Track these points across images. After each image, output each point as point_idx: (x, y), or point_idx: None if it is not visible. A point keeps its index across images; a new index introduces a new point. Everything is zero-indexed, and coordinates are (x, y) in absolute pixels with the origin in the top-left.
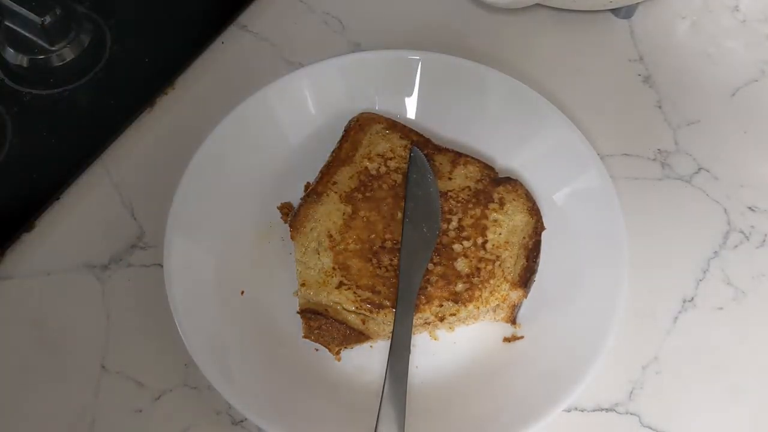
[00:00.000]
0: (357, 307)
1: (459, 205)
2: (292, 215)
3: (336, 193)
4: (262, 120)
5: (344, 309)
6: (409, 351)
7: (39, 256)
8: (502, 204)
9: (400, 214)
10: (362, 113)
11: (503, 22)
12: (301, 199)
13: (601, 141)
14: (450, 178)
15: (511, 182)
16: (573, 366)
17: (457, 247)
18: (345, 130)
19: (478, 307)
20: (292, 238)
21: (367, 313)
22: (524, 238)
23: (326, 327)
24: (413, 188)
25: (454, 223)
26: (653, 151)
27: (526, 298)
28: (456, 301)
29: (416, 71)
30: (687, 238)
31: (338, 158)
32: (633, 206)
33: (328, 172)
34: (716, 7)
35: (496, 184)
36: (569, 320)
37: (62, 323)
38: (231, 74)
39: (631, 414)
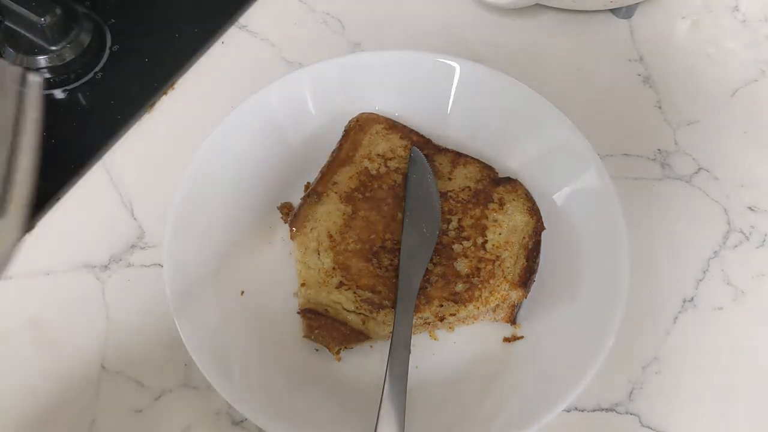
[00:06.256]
0: (357, 307)
1: (459, 205)
2: (292, 215)
3: (336, 193)
4: (262, 120)
5: (344, 309)
6: (409, 351)
7: (39, 256)
8: (501, 204)
9: (400, 215)
10: (362, 113)
11: (503, 22)
12: (301, 199)
13: (601, 141)
14: (450, 179)
15: (511, 182)
16: (573, 366)
17: (457, 247)
18: (345, 130)
19: (478, 307)
20: (292, 238)
21: (367, 313)
22: (524, 238)
23: (326, 327)
24: (413, 188)
25: (454, 223)
26: (653, 151)
27: (526, 298)
28: (456, 301)
29: (416, 71)
30: (687, 238)
31: (338, 158)
32: (633, 206)
33: (328, 172)
34: (716, 7)
35: (496, 184)
36: (569, 320)
37: (62, 323)
38: (231, 74)
39: (631, 414)
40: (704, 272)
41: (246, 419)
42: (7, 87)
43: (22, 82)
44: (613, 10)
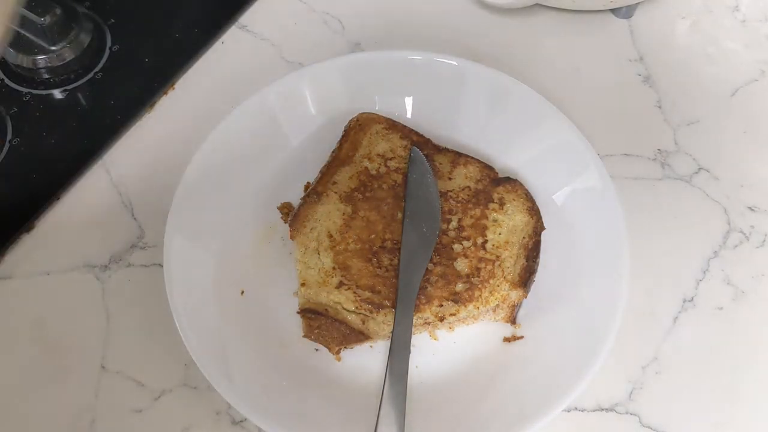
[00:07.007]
0: (357, 307)
1: (459, 205)
2: (292, 215)
3: (336, 193)
4: (262, 120)
5: (344, 309)
6: (409, 351)
7: (39, 256)
8: (502, 204)
9: (400, 214)
10: (362, 113)
11: (503, 22)
12: (301, 199)
13: (601, 141)
14: (450, 178)
15: (511, 182)
16: (573, 366)
17: (457, 247)
18: (345, 130)
19: (478, 307)
20: (292, 238)
21: (367, 313)
22: (524, 238)
23: (326, 327)
24: (413, 188)
25: (454, 223)
26: (653, 151)
27: (526, 297)
28: (456, 301)
29: (416, 71)
30: (687, 238)
31: (338, 158)
32: (633, 206)
33: (328, 172)
34: (716, 7)
35: (496, 184)
36: (569, 320)
37: (62, 323)
38: (231, 74)
39: (631, 414)
40: (704, 272)
41: (246, 419)
42: None
43: None
44: (613, 10)
